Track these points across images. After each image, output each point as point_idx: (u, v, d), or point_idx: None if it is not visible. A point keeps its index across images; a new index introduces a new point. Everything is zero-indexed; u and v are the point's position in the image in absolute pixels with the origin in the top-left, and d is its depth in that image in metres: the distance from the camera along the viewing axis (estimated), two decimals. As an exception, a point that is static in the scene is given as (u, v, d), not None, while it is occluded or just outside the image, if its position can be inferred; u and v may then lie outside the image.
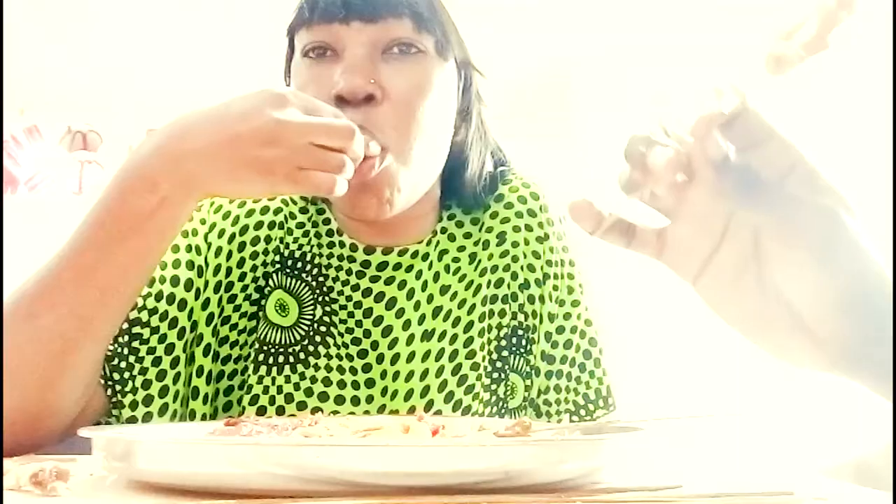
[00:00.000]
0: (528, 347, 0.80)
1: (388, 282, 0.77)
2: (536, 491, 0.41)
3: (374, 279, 0.77)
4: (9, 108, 3.40)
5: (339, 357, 0.76)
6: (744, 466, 0.56)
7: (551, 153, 3.35)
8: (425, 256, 0.79)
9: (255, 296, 0.77)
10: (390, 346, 0.76)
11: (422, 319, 0.77)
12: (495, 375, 0.78)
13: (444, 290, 0.79)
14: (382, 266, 0.77)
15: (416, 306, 0.78)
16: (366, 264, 0.77)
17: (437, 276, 0.79)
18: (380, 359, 0.76)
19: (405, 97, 0.69)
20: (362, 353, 0.76)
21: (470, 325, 0.78)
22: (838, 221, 0.40)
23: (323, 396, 0.75)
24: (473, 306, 0.78)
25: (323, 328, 0.77)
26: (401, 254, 0.78)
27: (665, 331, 2.65)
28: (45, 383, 0.61)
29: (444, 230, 0.81)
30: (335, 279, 0.77)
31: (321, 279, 0.77)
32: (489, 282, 0.79)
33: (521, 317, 0.80)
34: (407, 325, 0.77)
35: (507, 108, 3.34)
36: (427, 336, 0.77)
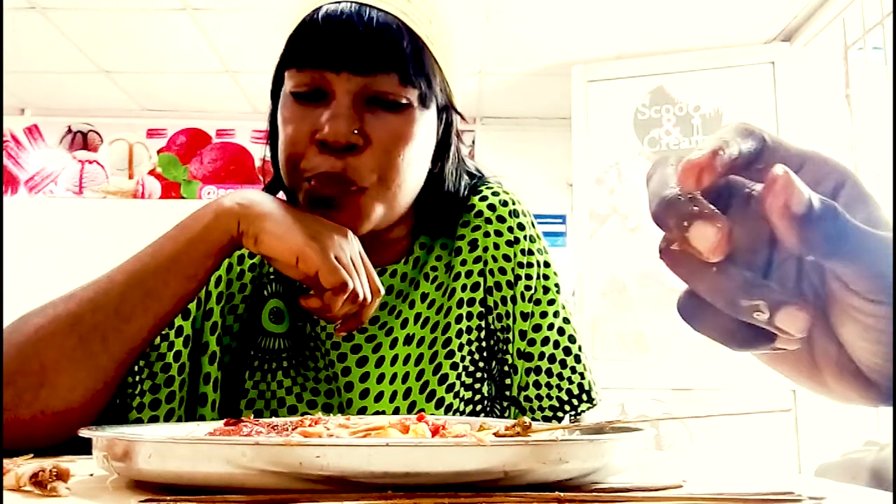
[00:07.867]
0: (504, 347, 0.82)
1: None
2: (536, 491, 0.41)
3: None
4: (9, 108, 3.40)
5: (325, 365, 0.79)
6: (744, 466, 0.56)
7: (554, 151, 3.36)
8: (404, 276, 0.83)
9: (254, 305, 0.80)
10: (374, 351, 0.79)
11: (404, 324, 0.81)
12: (477, 374, 0.81)
13: (424, 297, 0.82)
14: None
15: (398, 315, 0.81)
16: None
17: (416, 285, 0.82)
18: (361, 362, 0.79)
19: (386, 146, 0.71)
20: (342, 357, 0.79)
21: (447, 327, 0.80)
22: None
23: (312, 404, 0.78)
24: (450, 309, 0.81)
25: (311, 342, 0.80)
26: (380, 274, 0.81)
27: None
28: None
29: (422, 246, 0.85)
30: None
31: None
32: (464, 286, 0.82)
33: (495, 317, 0.82)
34: (389, 331, 0.80)
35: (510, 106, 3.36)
36: (408, 340, 0.80)
